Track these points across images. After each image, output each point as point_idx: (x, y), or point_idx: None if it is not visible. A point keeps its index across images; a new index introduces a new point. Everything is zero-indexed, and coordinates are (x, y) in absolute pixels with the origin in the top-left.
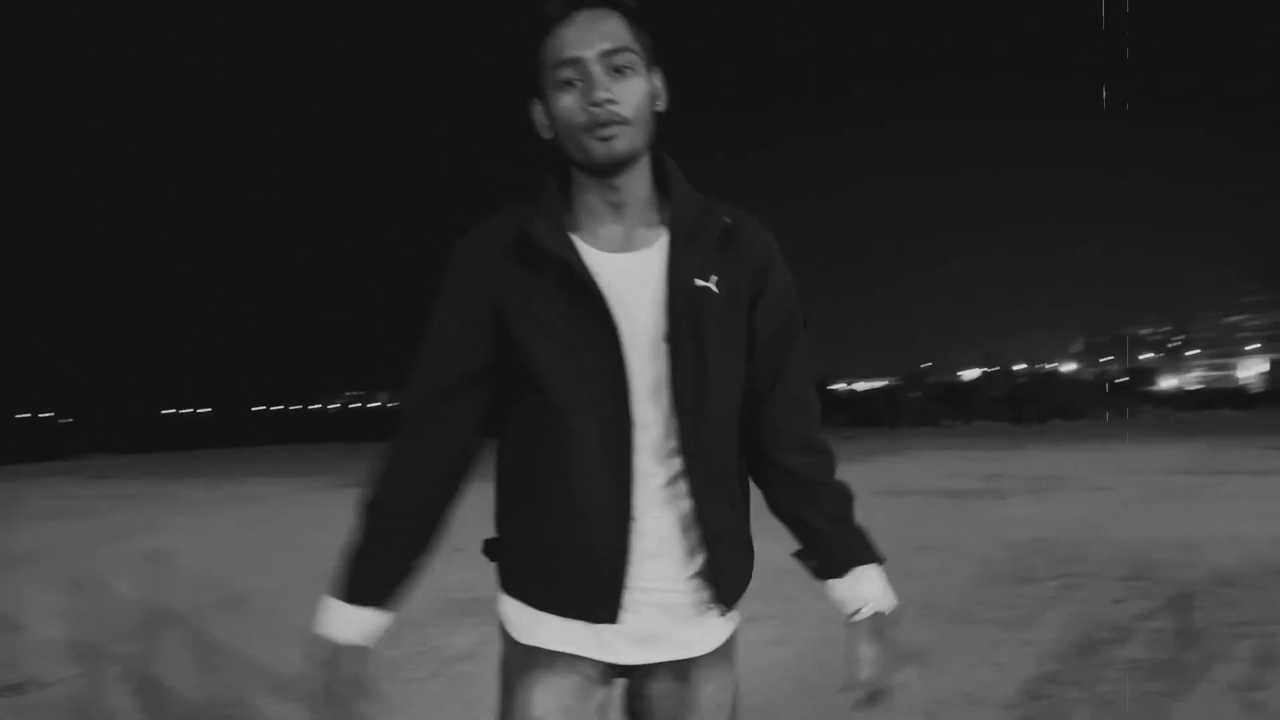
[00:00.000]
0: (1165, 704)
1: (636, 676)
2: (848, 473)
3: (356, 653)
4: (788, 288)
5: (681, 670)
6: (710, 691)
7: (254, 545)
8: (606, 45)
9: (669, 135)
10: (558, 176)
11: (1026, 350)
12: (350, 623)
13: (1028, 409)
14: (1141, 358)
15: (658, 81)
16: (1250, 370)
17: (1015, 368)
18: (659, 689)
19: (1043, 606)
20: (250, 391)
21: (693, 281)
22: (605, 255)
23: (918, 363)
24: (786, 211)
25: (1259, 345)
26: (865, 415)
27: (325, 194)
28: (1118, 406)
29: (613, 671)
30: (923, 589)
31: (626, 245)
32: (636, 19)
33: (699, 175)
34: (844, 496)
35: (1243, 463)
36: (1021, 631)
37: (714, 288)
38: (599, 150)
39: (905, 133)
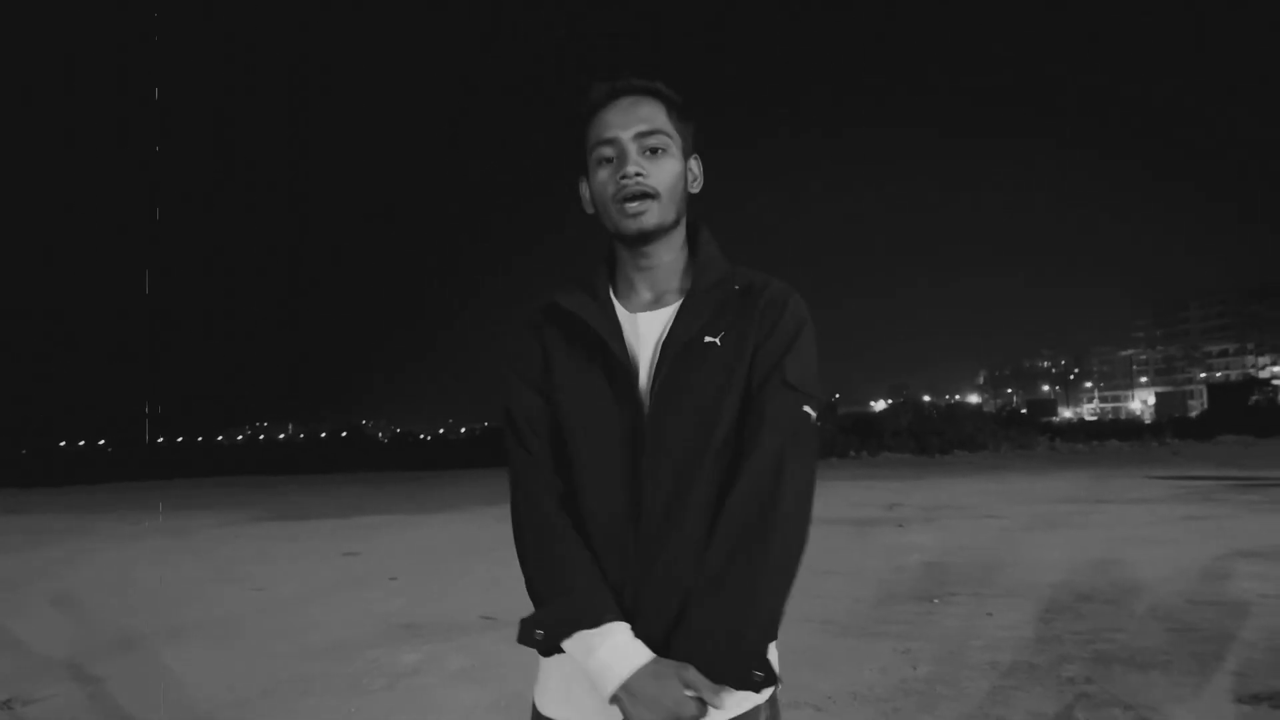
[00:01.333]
0: (1012, 694)
1: None
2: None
3: (647, 668)
4: (784, 335)
5: None
6: None
7: (185, 579)
8: (642, 127)
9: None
10: (610, 249)
11: (933, 381)
12: (617, 646)
13: (931, 440)
14: (1043, 389)
15: (695, 166)
16: (1140, 402)
17: (923, 399)
18: None
19: (925, 620)
20: (152, 423)
21: (699, 335)
22: (629, 315)
23: (829, 394)
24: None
25: (1145, 379)
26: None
27: (234, 223)
28: (1015, 439)
29: None
30: (824, 607)
31: (653, 305)
32: (677, 108)
33: None
34: (767, 553)
35: (1122, 491)
36: (905, 641)
37: (719, 342)
38: (628, 225)
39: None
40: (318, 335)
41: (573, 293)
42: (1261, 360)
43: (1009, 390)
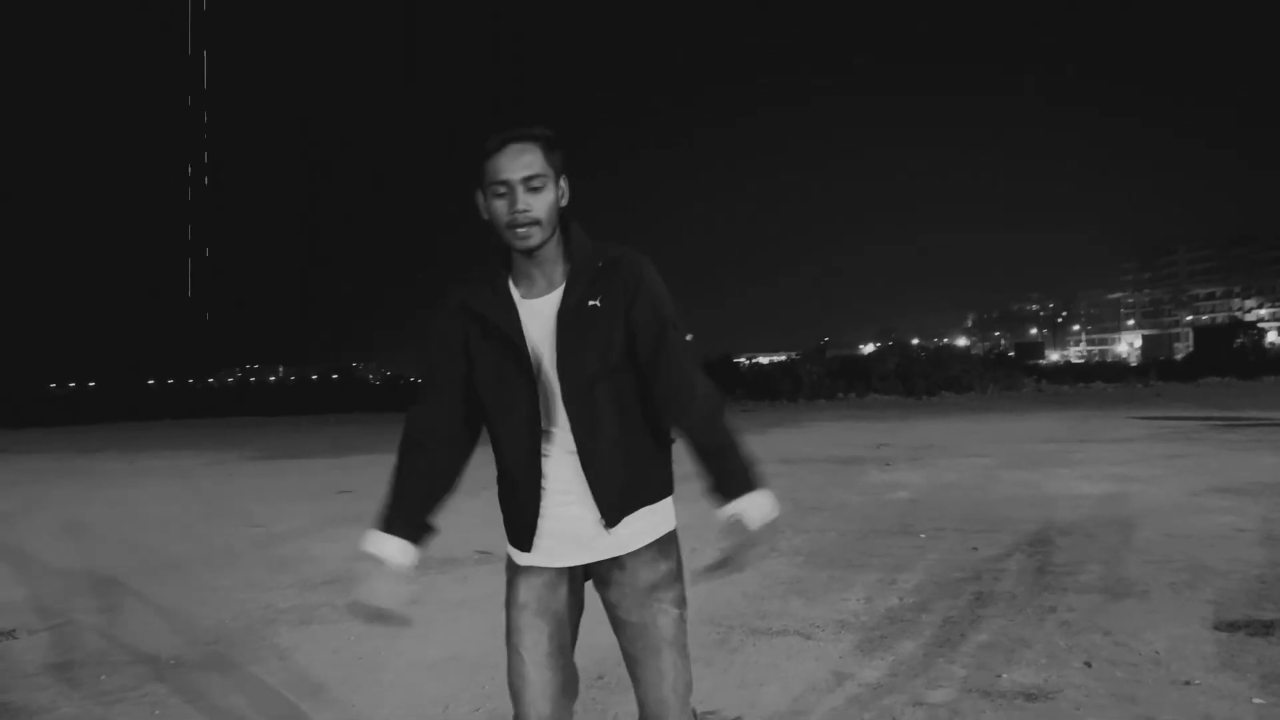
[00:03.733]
0: (993, 621)
1: (596, 572)
2: (748, 443)
3: (389, 570)
4: (655, 295)
5: (619, 563)
6: (644, 575)
7: (180, 515)
8: (526, 172)
9: (576, 204)
10: (506, 249)
11: (921, 325)
12: (387, 549)
13: (918, 383)
14: (1031, 332)
15: (564, 185)
16: (1127, 344)
17: (911, 342)
18: (608, 578)
19: (911, 554)
20: (144, 366)
21: (584, 302)
22: (527, 301)
23: (819, 337)
24: (691, 209)
25: (1133, 322)
26: (766, 389)
27: (232, 173)
28: (1001, 380)
29: (570, 573)
30: (809, 541)
31: (546, 290)
32: (552, 145)
33: (611, 182)
34: (713, 413)
35: (1104, 431)
36: (890, 574)
37: (598, 304)
38: (518, 244)
39: (785, 124)
40: (317, 283)
41: (479, 292)
42: (1248, 303)
43: (996, 334)
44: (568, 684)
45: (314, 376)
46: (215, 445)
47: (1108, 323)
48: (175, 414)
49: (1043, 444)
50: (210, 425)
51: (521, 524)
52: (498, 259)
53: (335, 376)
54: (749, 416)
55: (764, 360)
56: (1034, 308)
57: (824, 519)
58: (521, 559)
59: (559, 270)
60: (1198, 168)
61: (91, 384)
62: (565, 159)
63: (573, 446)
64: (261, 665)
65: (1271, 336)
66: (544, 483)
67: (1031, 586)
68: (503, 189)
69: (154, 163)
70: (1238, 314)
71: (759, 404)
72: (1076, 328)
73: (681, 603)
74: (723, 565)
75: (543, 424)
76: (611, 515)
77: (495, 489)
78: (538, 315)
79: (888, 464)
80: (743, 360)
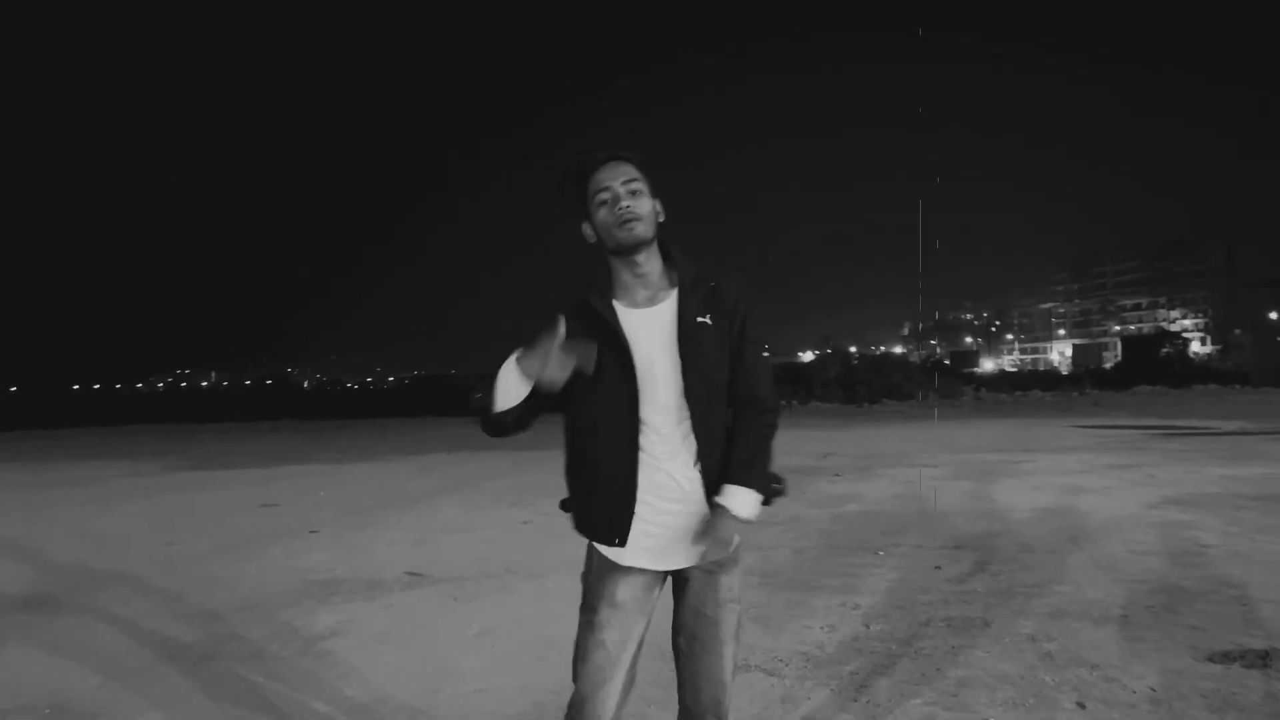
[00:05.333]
0: (971, 655)
1: (684, 573)
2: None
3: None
4: (746, 321)
5: (713, 565)
6: (726, 582)
7: (86, 533)
8: (625, 177)
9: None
10: (606, 269)
11: (859, 333)
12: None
13: (859, 390)
14: (966, 341)
15: (658, 205)
16: (1058, 353)
17: (850, 350)
18: (697, 579)
19: (871, 574)
20: (69, 370)
21: (695, 319)
22: (633, 310)
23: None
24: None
25: (1064, 332)
26: None
27: (161, 169)
28: (940, 389)
29: (664, 575)
30: (764, 559)
31: (647, 303)
32: (643, 165)
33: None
34: (765, 428)
35: (1048, 440)
36: (851, 596)
37: (708, 321)
38: (624, 236)
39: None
40: (248, 284)
41: (589, 298)
42: (1172, 314)
43: (933, 341)
44: (631, 683)
45: (247, 382)
46: (138, 454)
47: (1039, 332)
48: (102, 421)
49: (990, 454)
50: (136, 432)
51: (613, 522)
52: (599, 278)
53: (269, 382)
54: None
55: None
56: (968, 317)
57: (777, 534)
58: (623, 558)
59: (663, 286)
60: (1128, 180)
61: (13, 389)
62: (655, 184)
63: (676, 453)
64: (148, 718)
65: (1194, 346)
66: (639, 486)
67: (1004, 611)
68: (606, 195)
69: (76, 159)
70: (1163, 324)
71: None
72: (1010, 337)
73: (740, 599)
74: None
75: (641, 428)
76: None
77: (438, 500)
78: (643, 325)
79: (837, 474)
80: None
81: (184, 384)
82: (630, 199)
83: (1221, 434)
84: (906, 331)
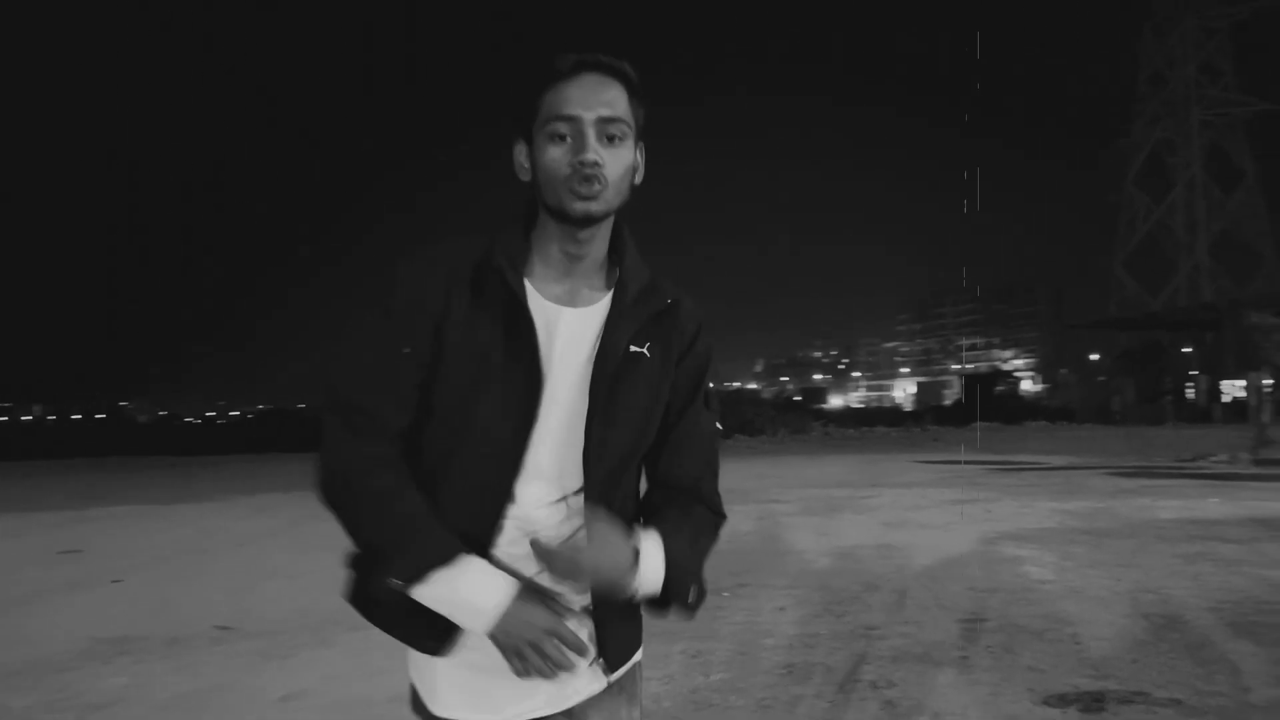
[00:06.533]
0: (813, 706)
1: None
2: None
3: (519, 598)
4: (702, 359)
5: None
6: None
7: None
8: (605, 112)
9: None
10: (525, 220)
11: (715, 369)
12: (479, 583)
13: None
14: (816, 378)
15: (640, 156)
16: (902, 390)
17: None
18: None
19: (714, 617)
20: None
21: (628, 345)
22: (549, 305)
23: None
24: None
25: (907, 370)
26: None
27: None
28: (791, 424)
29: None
30: None
31: (570, 300)
32: (637, 93)
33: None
34: (711, 527)
35: (892, 476)
36: (693, 643)
37: (646, 353)
38: (576, 206)
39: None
40: (85, 315)
41: (488, 264)
42: (1006, 354)
43: (784, 379)
44: None
45: (76, 416)
46: None
47: (885, 370)
48: None
49: (836, 489)
50: None
51: (442, 623)
52: (512, 231)
53: (101, 417)
54: None
55: None
56: (818, 354)
57: None
58: (440, 705)
59: (599, 279)
60: (967, 223)
61: None
62: (646, 122)
63: (565, 532)
64: None
65: (1025, 385)
66: (501, 563)
67: (846, 655)
68: (565, 128)
69: None
70: (998, 364)
71: None
72: (858, 374)
73: None
74: (561, 558)
75: (520, 476)
76: (616, 659)
77: (266, 543)
78: (554, 332)
79: None
80: None
81: (4, 417)
82: (604, 148)
83: (1052, 469)
84: (759, 368)
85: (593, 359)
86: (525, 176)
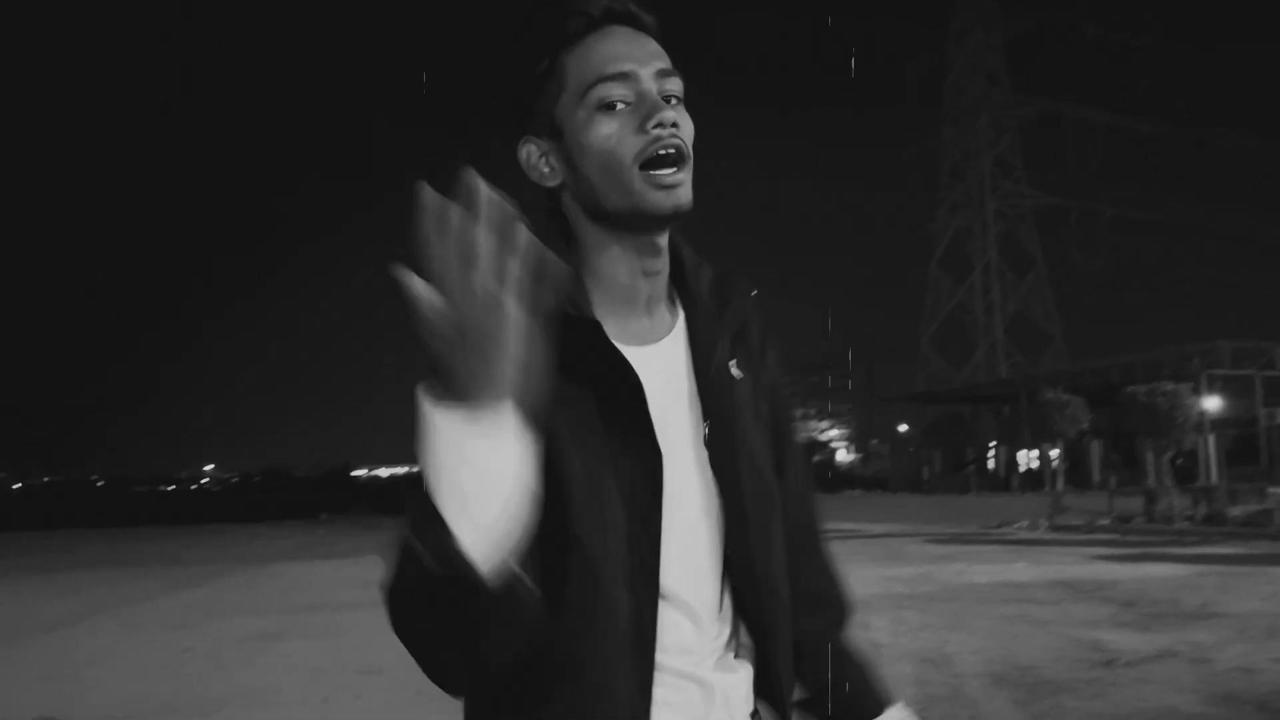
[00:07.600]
0: None
1: None
2: (366, 567)
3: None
4: (777, 373)
5: None
6: None
7: None
8: (661, 64)
9: None
10: (553, 239)
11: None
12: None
13: None
14: None
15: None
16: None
17: None
18: None
19: None
20: None
21: (727, 365)
22: (633, 350)
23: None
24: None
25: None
26: (390, 503)
27: None
28: None
29: None
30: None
31: (646, 335)
32: (671, 55)
33: None
34: (846, 616)
35: None
36: None
37: (739, 371)
38: (661, 201)
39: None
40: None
41: (578, 306)
42: (822, 424)
43: None
44: None
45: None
46: None
47: None
48: None
49: None
50: None
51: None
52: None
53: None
54: (373, 534)
55: (384, 473)
56: None
57: (387, 682)
58: None
59: (666, 304)
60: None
61: None
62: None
63: (710, 649)
64: None
65: (840, 454)
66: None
67: None
68: (620, 89)
69: None
70: (814, 434)
71: (382, 519)
72: None
73: None
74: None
75: (660, 590)
76: None
77: (84, 624)
78: (654, 380)
79: None
80: (362, 473)
81: None
82: (675, 111)
83: (873, 536)
84: None
85: (692, 398)
86: (552, 180)
